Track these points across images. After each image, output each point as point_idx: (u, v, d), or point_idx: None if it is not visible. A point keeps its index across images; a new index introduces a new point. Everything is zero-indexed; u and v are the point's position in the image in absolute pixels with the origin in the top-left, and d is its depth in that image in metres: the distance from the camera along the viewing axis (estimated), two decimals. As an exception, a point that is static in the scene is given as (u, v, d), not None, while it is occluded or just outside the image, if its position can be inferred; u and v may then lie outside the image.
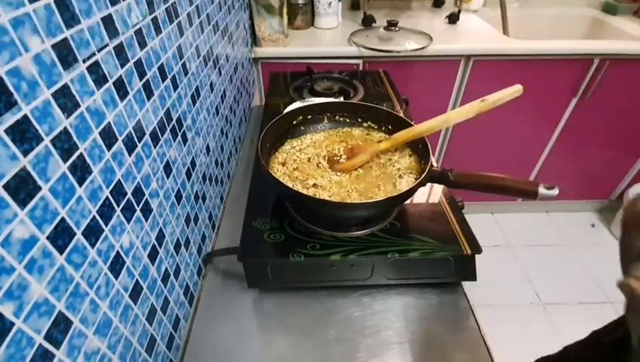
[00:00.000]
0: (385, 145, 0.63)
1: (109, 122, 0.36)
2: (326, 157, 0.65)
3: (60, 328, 0.29)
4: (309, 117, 0.71)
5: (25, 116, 0.26)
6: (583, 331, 0.43)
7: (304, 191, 0.56)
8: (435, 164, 0.58)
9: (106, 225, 0.36)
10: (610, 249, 1.62)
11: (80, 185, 0.32)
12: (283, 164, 0.63)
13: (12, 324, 0.25)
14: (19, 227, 0.25)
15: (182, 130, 0.56)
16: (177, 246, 0.53)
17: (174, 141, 0.53)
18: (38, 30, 0.27)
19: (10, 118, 0.25)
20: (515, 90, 0.57)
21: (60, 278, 0.29)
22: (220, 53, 0.78)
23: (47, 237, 0.28)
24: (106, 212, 0.36)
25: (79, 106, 0.32)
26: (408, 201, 0.61)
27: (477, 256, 0.55)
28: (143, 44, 0.43)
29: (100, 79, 0.35)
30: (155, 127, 0.46)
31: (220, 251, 0.63)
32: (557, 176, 1.64)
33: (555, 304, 1.47)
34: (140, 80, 0.43)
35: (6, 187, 0.24)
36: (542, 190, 0.48)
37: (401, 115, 0.73)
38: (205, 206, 0.67)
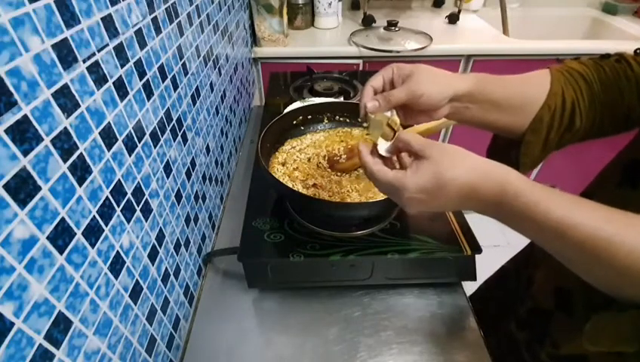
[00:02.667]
0: None
1: (109, 122, 0.36)
2: (326, 157, 0.65)
3: (60, 328, 0.29)
4: (309, 117, 0.71)
5: (25, 116, 0.26)
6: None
7: (304, 191, 0.56)
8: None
9: (106, 225, 0.36)
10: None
11: (80, 185, 0.32)
12: (283, 164, 0.63)
13: (12, 324, 0.25)
14: (19, 227, 0.25)
15: (182, 130, 0.56)
16: (177, 246, 0.53)
17: (174, 141, 0.53)
18: (38, 30, 0.27)
19: (10, 118, 0.25)
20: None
21: (60, 278, 0.29)
22: (219, 53, 0.78)
23: (47, 237, 0.28)
24: (106, 212, 0.36)
25: (79, 106, 0.32)
26: (408, 201, 0.61)
27: (477, 256, 0.55)
28: (143, 44, 0.43)
29: (100, 79, 0.35)
30: (155, 127, 0.46)
31: (219, 251, 0.63)
32: (557, 176, 1.64)
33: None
34: (140, 80, 0.43)
35: (6, 187, 0.24)
36: (542, 190, 0.48)
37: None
38: (205, 206, 0.67)
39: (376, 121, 0.43)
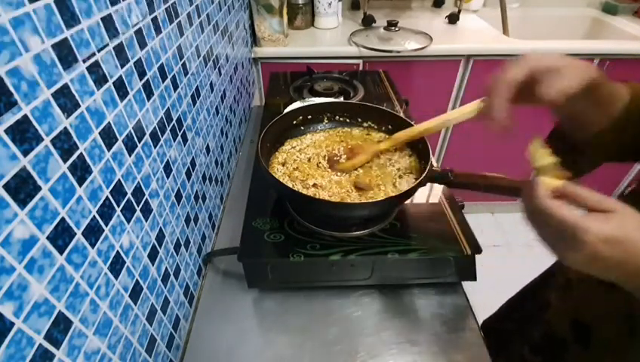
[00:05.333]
0: (385, 145, 0.63)
1: (109, 122, 0.36)
2: (326, 157, 0.65)
3: (60, 328, 0.29)
4: (309, 117, 0.71)
5: (25, 116, 0.26)
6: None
7: (304, 191, 0.56)
8: (435, 164, 0.58)
9: (106, 225, 0.36)
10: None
11: (80, 185, 0.32)
12: (283, 164, 0.63)
13: (12, 324, 0.25)
14: (19, 227, 0.25)
15: (182, 130, 0.56)
16: (177, 246, 0.53)
17: (174, 141, 0.53)
18: (38, 30, 0.27)
19: (10, 118, 0.25)
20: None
21: (60, 278, 0.29)
22: (219, 53, 0.78)
23: (47, 237, 0.28)
24: (106, 212, 0.36)
25: (79, 106, 0.32)
26: (408, 201, 0.61)
27: (477, 256, 0.55)
28: (143, 44, 0.43)
29: (100, 79, 0.35)
30: (155, 127, 0.46)
31: (219, 251, 0.63)
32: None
33: (555, 304, 1.47)
34: (140, 80, 0.43)
35: (6, 187, 0.24)
36: (542, 190, 0.48)
37: (401, 115, 0.73)
38: (205, 206, 0.67)
39: (546, 166, 0.39)
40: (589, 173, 0.48)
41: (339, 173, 0.62)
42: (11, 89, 0.25)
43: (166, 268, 0.50)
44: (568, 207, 0.33)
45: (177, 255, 0.53)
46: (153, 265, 0.46)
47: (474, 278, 0.57)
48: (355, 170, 0.62)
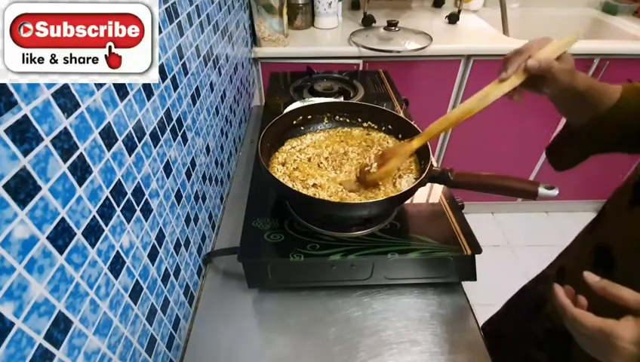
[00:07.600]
0: (419, 142, 0.57)
1: (109, 122, 0.36)
2: (328, 159, 0.65)
3: (59, 328, 0.29)
4: (309, 117, 0.71)
5: (25, 116, 0.26)
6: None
7: (304, 191, 0.56)
8: (435, 164, 0.58)
9: (106, 225, 0.36)
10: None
11: (80, 185, 0.32)
12: (283, 164, 0.63)
13: (12, 324, 0.25)
14: (19, 227, 0.25)
15: (182, 130, 0.55)
16: (177, 246, 0.53)
17: (174, 141, 0.53)
18: (38, 30, 0.27)
19: (10, 118, 0.25)
20: (571, 39, 0.48)
21: (60, 278, 0.29)
22: (220, 53, 0.78)
23: (47, 237, 0.28)
24: (106, 212, 0.36)
25: (79, 106, 0.32)
26: (408, 201, 0.61)
27: (477, 256, 0.55)
28: (143, 44, 0.43)
29: (100, 79, 0.35)
30: (155, 127, 0.46)
31: (219, 251, 0.63)
32: (557, 176, 1.64)
33: (555, 304, 1.47)
34: (140, 80, 0.42)
35: (6, 187, 0.24)
36: (542, 190, 0.48)
37: (401, 115, 0.73)
38: (205, 206, 0.67)
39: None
40: (577, 164, 0.53)
41: (339, 173, 0.62)
42: (11, 89, 0.25)
43: (166, 268, 0.49)
44: (595, 316, 0.35)
45: (177, 255, 0.53)
46: (153, 265, 0.46)
47: (474, 278, 0.57)
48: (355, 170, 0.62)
